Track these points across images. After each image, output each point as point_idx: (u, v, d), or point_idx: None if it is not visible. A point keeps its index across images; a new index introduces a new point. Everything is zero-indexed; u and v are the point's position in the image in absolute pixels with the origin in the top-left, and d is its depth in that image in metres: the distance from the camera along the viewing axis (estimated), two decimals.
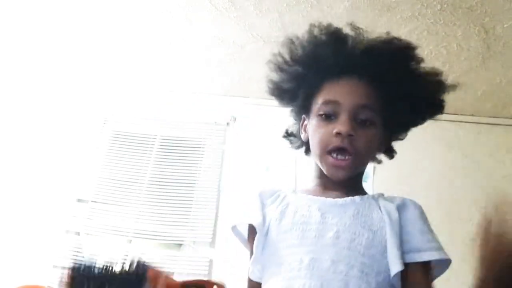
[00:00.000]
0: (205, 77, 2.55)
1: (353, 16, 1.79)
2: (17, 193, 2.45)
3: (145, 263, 0.78)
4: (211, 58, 2.35)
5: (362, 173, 0.95)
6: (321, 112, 0.88)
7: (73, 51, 2.48)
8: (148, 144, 2.62)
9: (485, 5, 1.77)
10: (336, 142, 0.84)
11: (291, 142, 1.05)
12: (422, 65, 0.91)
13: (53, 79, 2.74)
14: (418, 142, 2.41)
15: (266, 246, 0.89)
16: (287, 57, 0.95)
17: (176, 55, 2.38)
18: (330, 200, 0.86)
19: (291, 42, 0.95)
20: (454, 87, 0.92)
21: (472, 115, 2.50)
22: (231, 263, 2.19)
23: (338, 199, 0.85)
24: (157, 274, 0.78)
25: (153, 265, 0.81)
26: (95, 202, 2.49)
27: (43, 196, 2.45)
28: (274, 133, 2.59)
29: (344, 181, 0.89)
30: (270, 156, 2.49)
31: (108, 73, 2.65)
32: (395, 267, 0.77)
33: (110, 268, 0.76)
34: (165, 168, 2.56)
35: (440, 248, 0.82)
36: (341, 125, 0.84)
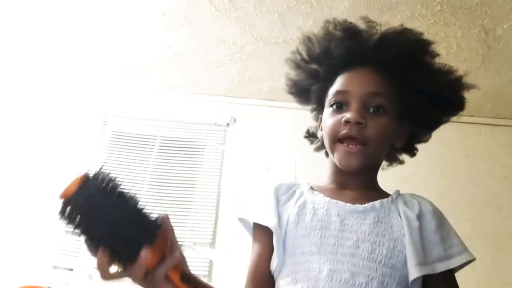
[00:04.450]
0: (205, 78, 2.55)
1: (353, 16, 1.79)
2: (17, 194, 2.45)
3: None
4: (211, 58, 2.35)
5: (377, 169, 0.91)
6: (332, 102, 0.87)
7: (73, 52, 2.48)
8: (148, 145, 2.62)
9: (485, 6, 1.77)
10: (345, 130, 0.82)
11: (311, 143, 1.03)
12: (438, 60, 0.89)
13: (53, 80, 2.74)
14: None
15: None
16: (304, 54, 0.95)
17: (176, 56, 2.38)
18: (350, 205, 0.82)
19: (308, 39, 0.94)
20: (472, 86, 0.90)
21: (472, 116, 2.50)
22: (231, 264, 2.19)
23: (358, 205, 0.82)
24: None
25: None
26: None
27: (43, 197, 2.45)
28: (274, 134, 2.61)
29: (359, 176, 0.87)
30: (270, 157, 2.49)
31: (108, 74, 2.65)
32: (413, 274, 0.75)
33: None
34: (165, 169, 2.56)
35: (463, 251, 0.80)
36: (349, 113, 0.82)
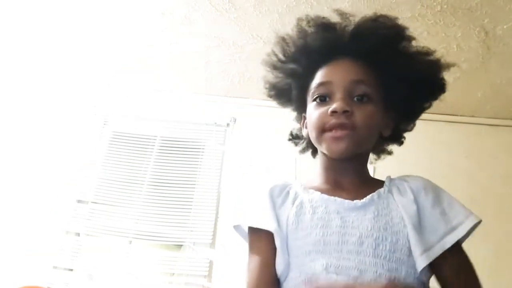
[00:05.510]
0: (205, 78, 2.55)
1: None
2: (17, 194, 2.45)
3: None
4: (211, 58, 2.35)
5: (366, 159, 0.92)
6: (316, 96, 0.86)
7: (73, 52, 2.48)
8: (148, 145, 2.63)
9: (485, 6, 1.77)
10: (332, 120, 0.81)
11: (296, 145, 1.02)
12: (415, 43, 0.88)
13: (53, 80, 2.74)
14: (419, 143, 2.41)
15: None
16: (280, 55, 0.94)
17: (176, 56, 2.38)
18: (348, 202, 0.82)
19: (283, 39, 0.93)
20: (451, 65, 0.89)
21: (472, 116, 2.50)
22: (231, 264, 2.19)
23: (357, 201, 0.81)
24: None
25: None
26: (95, 203, 2.49)
27: (44, 197, 2.45)
28: (274, 134, 2.61)
29: (350, 169, 0.87)
30: (270, 157, 2.49)
31: (108, 74, 2.65)
32: (420, 263, 0.75)
33: None
34: (165, 169, 2.56)
35: (468, 216, 0.79)
36: (335, 103, 0.81)
